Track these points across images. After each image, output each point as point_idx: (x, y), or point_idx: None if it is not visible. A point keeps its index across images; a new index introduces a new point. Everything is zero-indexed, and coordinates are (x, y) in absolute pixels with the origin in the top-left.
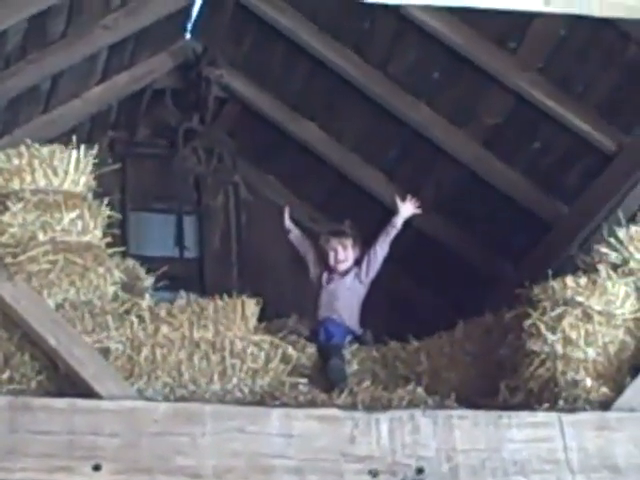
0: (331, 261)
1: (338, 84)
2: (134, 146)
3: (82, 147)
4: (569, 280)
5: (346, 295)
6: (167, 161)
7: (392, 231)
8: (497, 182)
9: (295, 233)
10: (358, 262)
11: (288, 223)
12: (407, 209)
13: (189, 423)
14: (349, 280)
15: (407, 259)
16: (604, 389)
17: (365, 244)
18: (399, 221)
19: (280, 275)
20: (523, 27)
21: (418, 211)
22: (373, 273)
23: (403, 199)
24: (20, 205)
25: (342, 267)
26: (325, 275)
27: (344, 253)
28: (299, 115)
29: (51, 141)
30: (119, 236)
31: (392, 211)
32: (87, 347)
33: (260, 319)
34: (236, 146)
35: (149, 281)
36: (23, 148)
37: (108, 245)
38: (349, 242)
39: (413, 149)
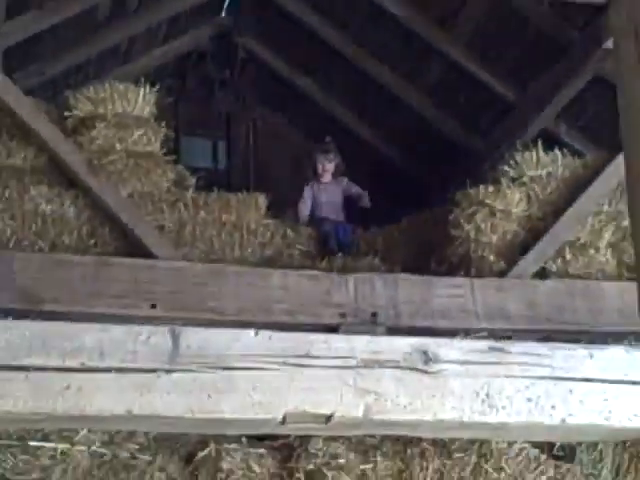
0: (319, 171)
1: None
2: (184, 91)
3: (148, 87)
4: (481, 188)
5: (332, 199)
6: (207, 101)
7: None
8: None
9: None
10: (339, 168)
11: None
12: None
13: (217, 278)
14: (335, 188)
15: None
16: (502, 263)
17: None
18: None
19: (283, 182)
20: None
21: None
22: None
23: None
24: (103, 124)
25: (327, 176)
26: (315, 185)
27: (328, 165)
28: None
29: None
30: (173, 150)
31: None
32: (149, 224)
33: (268, 209)
34: (256, 93)
35: (192, 181)
36: (107, 85)
37: (165, 154)
38: (331, 156)
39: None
